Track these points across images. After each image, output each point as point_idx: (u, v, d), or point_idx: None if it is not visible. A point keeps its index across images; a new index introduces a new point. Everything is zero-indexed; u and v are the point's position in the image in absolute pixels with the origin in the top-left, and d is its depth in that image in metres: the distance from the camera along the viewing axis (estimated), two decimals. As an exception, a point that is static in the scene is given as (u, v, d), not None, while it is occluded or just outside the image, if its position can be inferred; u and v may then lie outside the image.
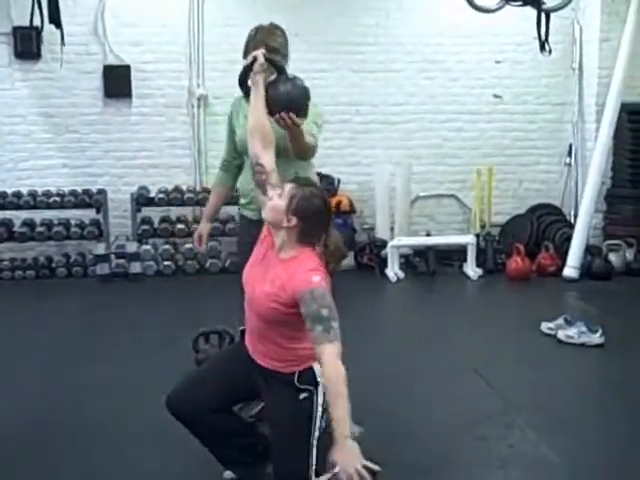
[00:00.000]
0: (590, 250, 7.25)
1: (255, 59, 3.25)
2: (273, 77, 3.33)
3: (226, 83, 7.63)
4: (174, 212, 7.62)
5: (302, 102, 3.27)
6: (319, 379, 2.79)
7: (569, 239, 7.27)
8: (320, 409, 2.81)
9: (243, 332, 3.19)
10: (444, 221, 8.16)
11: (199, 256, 7.38)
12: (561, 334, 5.26)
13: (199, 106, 7.69)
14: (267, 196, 2.97)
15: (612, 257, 7.24)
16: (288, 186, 2.89)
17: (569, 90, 7.98)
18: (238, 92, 7.67)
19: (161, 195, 7.43)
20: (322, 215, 2.88)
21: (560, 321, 5.34)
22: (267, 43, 3.49)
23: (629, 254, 7.31)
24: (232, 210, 7.55)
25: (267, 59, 3.27)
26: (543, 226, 7.77)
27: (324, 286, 2.73)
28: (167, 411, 3.03)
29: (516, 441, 3.69)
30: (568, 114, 8.01)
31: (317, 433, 2.82)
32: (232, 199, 4.28)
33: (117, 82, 7.51)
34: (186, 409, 3.03)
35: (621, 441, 3.76)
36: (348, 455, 2.44)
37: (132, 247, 7.24)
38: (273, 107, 3.19)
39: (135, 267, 7.19)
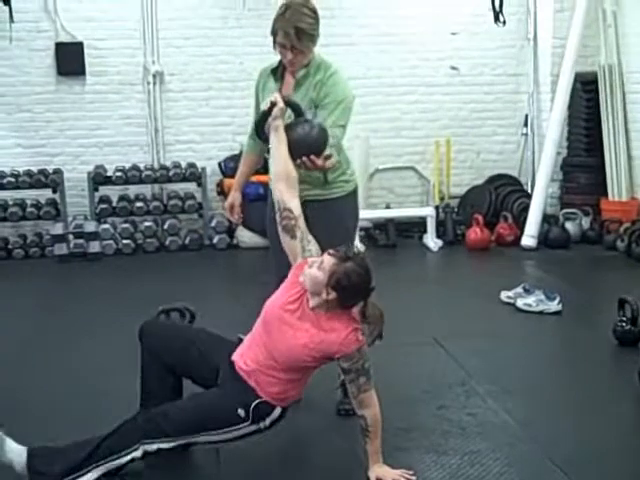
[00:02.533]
0: (547, 219, 7.33)
1: (273, 104, 3.19)
2: (289, 119, 3.28)
3: (181, 60, 7.62)
4: (132, 190, 7.55)
5: (322, 144, 3.22)
6: (263, 422, 3.04)
7: (527, 209, 7.34)
8: (232, 435, 3.05)
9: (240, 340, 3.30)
10: (403, 193, 8.19)
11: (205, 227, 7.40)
12: (520, 302, 5.32)
13: (155, 83, 7.61)
14: (294, 241, 3.11)
15: (569, 225, 7.33)
16: (328, 260, 2.95)
17: (524, 61, 8.02)
18: (193, 68, 7.59)
19: (118, 173, 7.36)
20: (361, 290, 3.00)
21: (519, 290, 5.41)
22: (296, 25, 3.36)
23: (585, 222, 7.41)
24: (191, 187, 7.53)
25: (286, 102, 3.23)
26: (501, 196, 7.83)
27: (364, 341, 2.98)
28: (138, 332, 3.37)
29: (476, 409, 3.74)
30: (524, 85, 8.06)
31: (210, 438, 3.06)
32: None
33: (70, 60, 7.38)
34: (156, 340, 3.30)
35: (578, 407, 3.83)
36: (387, 471, 3.04)
37: (90, 226, 7.17)
38: (294, 151, 3.17)
39: (94, 246, 7.12)
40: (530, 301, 5.29)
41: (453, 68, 8.02)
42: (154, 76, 7.59)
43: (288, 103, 3.26)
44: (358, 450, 3.14)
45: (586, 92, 7.57)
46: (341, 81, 3.52)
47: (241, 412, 3.01)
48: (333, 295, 2.94)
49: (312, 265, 2.97)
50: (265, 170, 3.50)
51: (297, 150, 3.17)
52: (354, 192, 3.66)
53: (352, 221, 3.70)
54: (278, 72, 3.59)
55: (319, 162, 3.21)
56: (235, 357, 3.15)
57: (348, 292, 2.95)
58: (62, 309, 5.65)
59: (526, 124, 8.03)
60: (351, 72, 7.74)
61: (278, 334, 3.03)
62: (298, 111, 3.28)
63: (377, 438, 3.03)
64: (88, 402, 3.86)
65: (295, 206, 3.14)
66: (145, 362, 3.31)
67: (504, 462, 3.22)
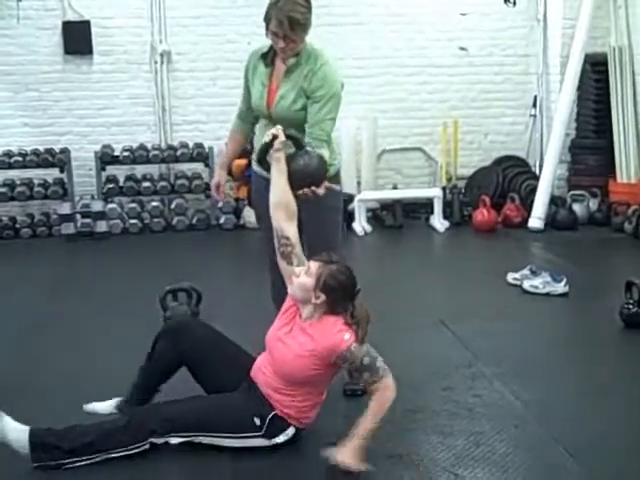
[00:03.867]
0: (555, 201, 7.31)
1: (274, 137, 3.25)
2: (290, 150, 3.32)
3: (189, 39, 7.59)
4: (139, 170, 7.55)
5: (322, 175, 3.30)
6: (277, 439, 3.11)
7: (534, 190, 7.32)
8: (242, 443, 3.10)
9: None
10: (410, 174, 8.17)
11: (212, 207, 7.44)
12: (526, 284, 5.32)
13: (162, 62, 7.59)
14: (292, 265, 3.19)
15: (576, 207, 7.31)
16: (314, 264, 3.08)
17: (534, 41, 7.97)
18: (201, 48, 7.58)
19: (126, 153, 7.36)
20: (348, 289, 3.09)
21: (525, 271, 5.41)
22: (289, 15, 3.36)
23: (593, 204, 7.39)
24: (198, 167, 7.53)
25: (287, 136, 3.28)
26: (508, 178, 7.81)
27: (355, 339, 3.00)
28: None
29: (482, 391, 3.75)
30: (533, 66, 8.01)
31: (221, 441, 3.10)
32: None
33: (77, 39, 7.37)
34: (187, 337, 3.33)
35: (585, 389, 3.83)
36: (345, 452, 2.93)
37: (97, 206, 7.18)
38: (295, 182, 3.24)
39: (101, 226, 7.14)
40: (537, 283, 5.28)
41: (462, 49, 7.98)
42: (161, 55, 7.56)
43: (289, 136, 3.31)
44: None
45: (596, 73, 7.52)
46: (331, 72, 3.55)
47: (257, 421, 3.10)
48: (322, 298, 3.05)
49: (299, 274, 3.10)
50: None
51: (298, 181, 3.25)
52: (336, 175, 3.68)
53: (335, 202, 3.70)
54: (269, 57, 3.61)
55: (319, 192, 3.29)
56: (253, 374, 3.25)
57: (336, 293, 3.06)
58: (69, 288, 5.67)
59: (535, 105, 7.99)
60: (359, 52, 7.76)
61: (278, 354, 3.14)
62: (299, 143, 3.34)
63: (376, 418, 2.99)
64: (94, 381, 3.88)
65: (293, 234, 3.23)
66: (162, 356, 3.34)
67: (510, 443, 3.22)
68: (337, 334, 3.02)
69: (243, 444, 3.11)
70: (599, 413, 3.53)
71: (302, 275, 3.09)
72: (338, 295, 3.06)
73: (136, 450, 3.06)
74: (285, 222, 3.23)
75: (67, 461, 3.01)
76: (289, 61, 3.54)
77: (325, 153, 3.41)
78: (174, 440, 3.09)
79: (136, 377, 3.39)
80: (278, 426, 3.12)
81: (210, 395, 3.30)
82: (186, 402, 3.18)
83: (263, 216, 3.81)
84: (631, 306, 4.54)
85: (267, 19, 3.45)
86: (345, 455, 2.93)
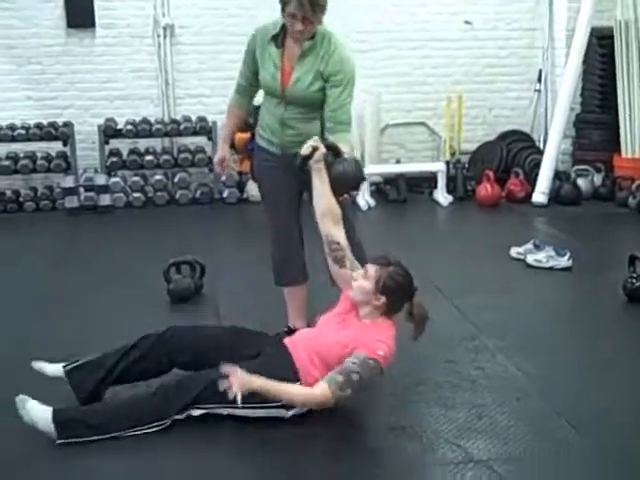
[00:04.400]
0: (559, 175, 7.29)
1: (314, 148, 3.32)
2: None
3: (192, 12, 7.56)
4: (142, 144, 7.54)
5: (361, 178, 3.44)
6: (288, 411, 3.11)
7: (538, 165, 7.30)
8: (256, 413, 3.10)
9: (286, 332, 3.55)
10: (414, 149, 8.15)
11: (216, 181, 7.44)
12: (530, 258, 5.32)
13: (165, 36, 7.55)
14: (344, 269, 3.33)
15: (580, 182, 7.29)
16: (372, 268, 3.21)
17: (539, 15, 7.92)
18: (203, 21, 7.53)
19: (129, 127, 7.34)
20: (406, 290, 3.23)
21: (529, 246, 5.40)
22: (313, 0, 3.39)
23: (597, 179, 7.37)
24: (201, 140, 7.52)
25: (326, 146, 3.37)
26: (513, 152, 7.78)
27: (379, 362, 3.07)
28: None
29: (485, 364, 3.76)
30: (539, 40, 7.97)
31: (234, 411, 3.06)
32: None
33: (79, 11, 7.32)
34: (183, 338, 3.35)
35: (587, 363, 3.85)
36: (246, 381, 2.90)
37: (101, 179, 7.17)
38: (337, 189, 3.37)
39: (104, 199, 7.14)
40: (540, 257, 5.28)
41: (467, 22, 7.92)
42: (164, 29, 7.52)
43: (328, 146, 3.40)
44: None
45: (602, 47, 7.48)
46: (346, 54, 3.62)
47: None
48: (382, 300, 3.18)
49: (357, 278, 3.23)
50: None
51: (340, 188, 3.39)
52: None
53: None
54: (279, 38, 3.61)
55: (358, 194, 3.36)
56: (291, 345, 3.28)
57: (396, 294, 3.19)
58: (73, 262, 5.68)
59: (540, 80, 7.95)
60: (362, 26, 7.71)
61: (324, 335, 3.24)
62: (337, 152, 3.41)
63: (280, 390, 3.02)
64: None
65: (342, 238, 3.38)
66: (152, 352, 3.31)
67: (512, 416, 3.24)
68: (376, 342, 3.12)
69: (256, 413, 3.10)
70: (602, 387, 3.54)
71: (360, 279, 3.21)
72: (397, 296, 3.20)
73: (160, 427, 3.08)
74: (333, 228, 3.36)
75: (92, 439, 3.02)
76: (304, 44, 3.56)
77: (349, 137, 3.56)
78: (196, 412, 3.11)
79: (110, 356, 3.33)
80: None
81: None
82: (205, 374, 3.15)
83: (266, 190, 3.85)
84: (634, 280, 4.54)
85: (284, 1, 3.44)
86: (240, 379, 2.89)
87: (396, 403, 3.28)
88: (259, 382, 2.95)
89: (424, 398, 3.41)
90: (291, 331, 3.84)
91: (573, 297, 5.05)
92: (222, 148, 3.97)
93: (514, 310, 4.56)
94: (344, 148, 3.45)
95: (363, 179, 3.48)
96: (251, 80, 3.78)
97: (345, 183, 3.37)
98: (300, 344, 3.26)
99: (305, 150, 3.36)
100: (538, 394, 3.45)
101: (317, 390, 3.02)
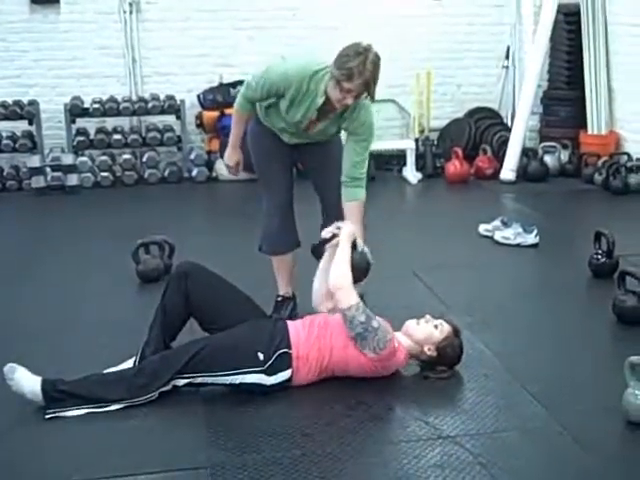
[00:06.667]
0: (526, 152, 7.32)
1: (333, 235, 3.51)
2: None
3: (158, -13, 7.45)
4: (110, 123, 7.46)
5: (367, 271, 3.59)
6: (271, 378, 3.20)
7: (506, 142, 7.33)
8: (239, 379, 3.17)
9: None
10: (383, 126, 8.07)
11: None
12: (498, 235, 5.37)
13: (131, 12, 7.44)
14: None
15: (547, 159, 7.33)
16: (447, 327, 3.40)
17: (507, -8, 7.93)
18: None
19: (96, 105, 7.25)
20: (454, 362, 3.43)
21: (497, 223, 5.45)
22: (374, 78, 3.45)
23: (564, 156, 7.41)
24: (170, 119, 7.45)
25: None
26: (481, 129, 7.81)
27: (393, 342, 3.31)
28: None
29: (453, 340, 3.80)
30: (506, 16, 7.97)
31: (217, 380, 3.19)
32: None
33: (43, -13, 7.22)
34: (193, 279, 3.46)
35: (554, 338, 3.90)
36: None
37: (68, 159, 7.08)
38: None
39: (72, 179, 7.06)
40: (508, 234, 5.33)
41: (435, -1, 7.90)
42: (130, 5, 7.41)
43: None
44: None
45: (568, 24, 7.51)
46: (371, 115, 3.74)
47: (260, 356, 3.19)
48: (434, 354, 3.36)
49: (429, 321, 3.40)
50: None
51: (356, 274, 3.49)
52: None
53: (339, 148, 3.94)
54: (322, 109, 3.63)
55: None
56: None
57: (445, 360, 3.38)
58: (40, 242, 5.62)
59: (507, 56, 7.97)
60: (329, 3, 7.65)
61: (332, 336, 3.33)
62: (353, 242, 3.54)
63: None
64: (64, 334, 3.89)
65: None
66: (174, 302, 3.42)
67: (480, 392, 3.28)
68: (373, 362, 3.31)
69: (241, 380, 3.17)
70: (569, 362, 3.60)
71: (431, 326, 3.38)
72: (445, 362, 3.39)
73: (147, 399, 3.13)
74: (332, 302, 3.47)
75: (79, 410, 3.07)
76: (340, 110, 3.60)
77: (362, 194, 3.84)
78: (180, 382, 3.17)
79: (147, 335, 3.41)
80: (281, 363, 3.20)
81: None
82: (186, 347, 3.24)
83: (263, 159, 3.95)
84: (600, 256, 4.60)
85: (348, 77, 3.39)
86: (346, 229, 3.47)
87: (362, 380, 3.31)
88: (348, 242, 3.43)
89: (391, 374, 3.43)
90: (284, 299, 3.92)
91: (540, 273, 5.11)
92: (235, 152, 3.97)
93: (482, 287, 4.61)
94: (359, 240, 3.57)
95: (367, 272, 3.60)
96: (263, 101, 3.75)
97: (355, 274, 3.44)
98: (304, 328, 3.35)
99: (325, 234, 3.56)
100: (506, 370, 3.49)
101: (354, 298, 3.27)
